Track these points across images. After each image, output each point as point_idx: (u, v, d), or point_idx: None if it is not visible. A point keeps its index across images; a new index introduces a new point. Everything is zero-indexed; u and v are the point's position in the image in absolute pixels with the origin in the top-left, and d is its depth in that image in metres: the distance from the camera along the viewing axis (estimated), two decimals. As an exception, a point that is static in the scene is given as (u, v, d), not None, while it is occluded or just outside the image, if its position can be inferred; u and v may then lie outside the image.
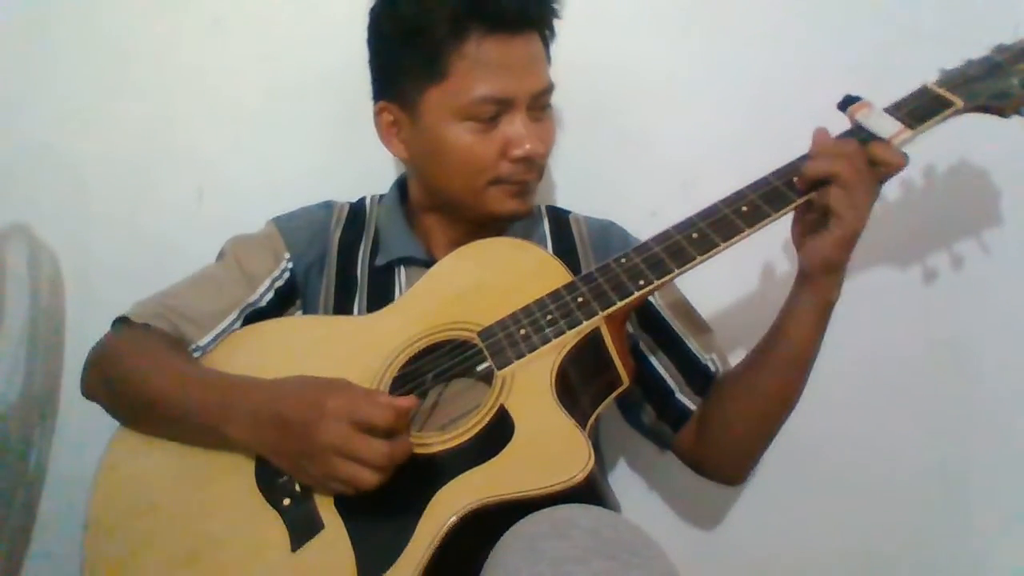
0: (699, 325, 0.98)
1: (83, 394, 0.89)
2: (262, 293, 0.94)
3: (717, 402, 0.91)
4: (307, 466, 0.73)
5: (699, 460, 0.95)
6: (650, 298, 0.94)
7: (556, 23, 0.91)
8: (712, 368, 0.94)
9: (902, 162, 0.77)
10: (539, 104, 0.89)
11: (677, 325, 0.96)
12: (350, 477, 0.70)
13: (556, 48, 0.92)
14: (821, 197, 0.77)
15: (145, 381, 0.82)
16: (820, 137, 0.81)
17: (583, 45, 1.00)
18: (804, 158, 0.79)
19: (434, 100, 0.86)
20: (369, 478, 0.70)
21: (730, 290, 1.13)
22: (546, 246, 0.98)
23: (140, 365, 0.84)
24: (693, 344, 0.95)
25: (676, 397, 0.93)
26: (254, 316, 0.93)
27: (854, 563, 1.18)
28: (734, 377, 0.91)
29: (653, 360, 0.95)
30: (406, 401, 0.72)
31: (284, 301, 0.96)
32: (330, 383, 0.75)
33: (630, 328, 0.94)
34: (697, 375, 0.94)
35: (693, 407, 0.93)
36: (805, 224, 0.80)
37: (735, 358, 0.94)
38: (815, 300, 0.81)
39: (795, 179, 0.78)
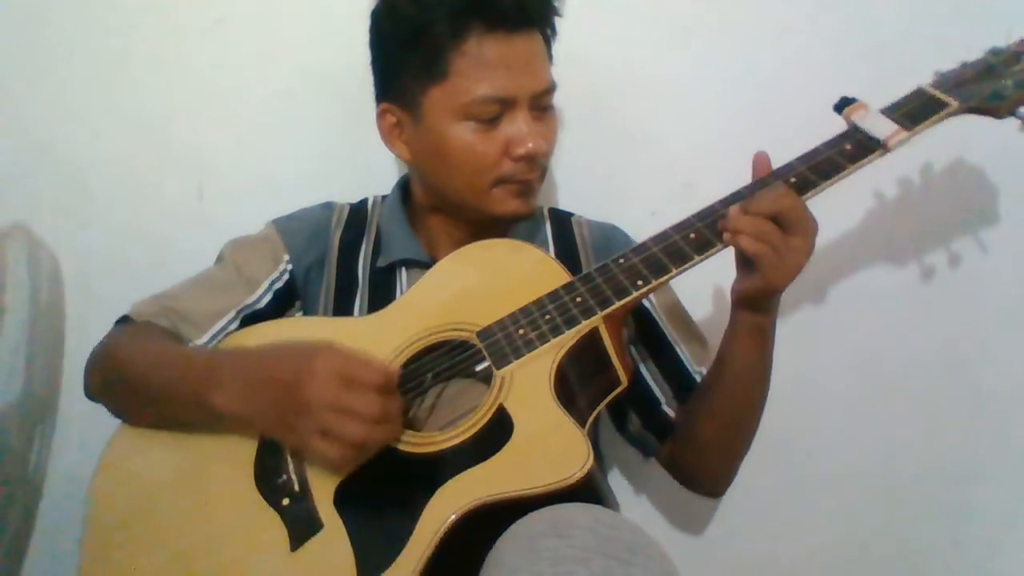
0: (694, 334, 0.98)
1: (86, 394, 0.89)
2: (260, 295, 0.94)
3: (687, 414, 0.92)
4: (297, 423, 0.71)
5: (678, 470, 0.96)
6: (645, 302, 0.94)
7: (557, 22, 0.90)
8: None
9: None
10: (541, 104, 0.89)
11: (671, 331, 0.96)
12: (342, 430, 0.69)
13: (557, 47, 0.92)
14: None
15: (139, 363, 0.83)
16: (735, 214, 0.76)
17: (583, 44, 1.00)
18: (802, 158, 0.79)
19: (436, 100, 0.86)
20: (360, 430, 0.69)
21: (721, 290, 1.13)
22: (548, 248, 0.98)
23: (135, 352, 0.85)
24: (685, 354, 0.95)
25: (662, 408, 0.94)
26: (252, 318, 0.93)
27: (853, 563, 1.18)
28: (700, 389, 0.92)
29: (643, 369, 0.95)
30: (394, 367, 0.73)
31: (283, 303, 0.95)
32: (316, 345, 0.74)
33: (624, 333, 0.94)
34: (685, 388, 0.94)
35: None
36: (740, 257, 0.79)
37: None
38: (750, 323, 0.81)
39: (792, 179, 0.78)
